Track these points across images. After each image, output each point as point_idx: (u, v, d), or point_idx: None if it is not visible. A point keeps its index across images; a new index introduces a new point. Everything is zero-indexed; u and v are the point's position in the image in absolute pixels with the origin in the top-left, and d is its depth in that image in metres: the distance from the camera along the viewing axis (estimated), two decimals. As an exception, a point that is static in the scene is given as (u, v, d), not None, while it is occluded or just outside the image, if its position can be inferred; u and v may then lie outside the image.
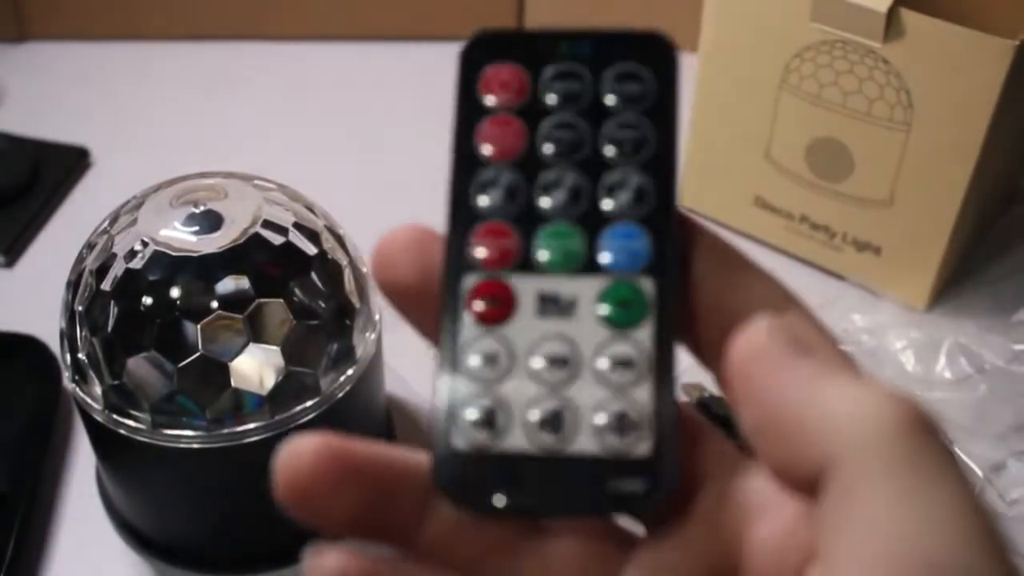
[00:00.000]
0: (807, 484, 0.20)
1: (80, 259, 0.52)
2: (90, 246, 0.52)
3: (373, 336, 0.53)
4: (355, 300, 0.52)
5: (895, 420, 0.19)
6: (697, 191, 0.74)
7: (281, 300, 0.49)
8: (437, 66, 0.89)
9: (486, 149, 0.24)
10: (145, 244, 0.49)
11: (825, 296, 0.68)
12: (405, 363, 0.62)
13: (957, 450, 0.58)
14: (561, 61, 0.25)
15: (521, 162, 0.24)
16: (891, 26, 0.59)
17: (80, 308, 0.50)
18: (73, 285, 0.51)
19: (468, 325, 0.23)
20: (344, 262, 0.53)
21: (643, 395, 0.23)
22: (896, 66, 0.60)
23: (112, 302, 0.49)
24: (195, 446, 0.48)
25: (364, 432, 0.55)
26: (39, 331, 0.63)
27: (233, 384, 0.48)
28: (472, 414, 0.23)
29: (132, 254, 0.50)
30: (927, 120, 0.61)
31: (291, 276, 0.50)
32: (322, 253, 0.52)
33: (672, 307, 0.23)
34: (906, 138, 0.62)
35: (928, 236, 0.65)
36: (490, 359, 0.23)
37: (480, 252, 0.24)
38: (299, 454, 0.22)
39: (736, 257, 0.24)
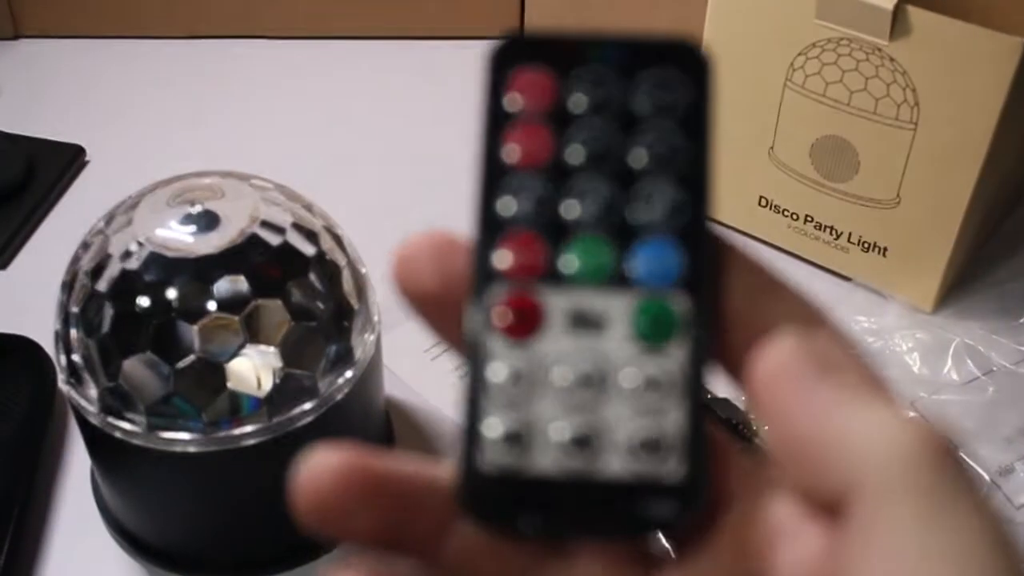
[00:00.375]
0: (829, 507, 0.20)
1: (75, 259, 0.51)
2: (85, 246, 0.51)
3: (372, 338, 0.52)
4: (354, 301, 0.52)
5: (918, 447, 0.19)
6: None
7: (279, 301, 0.49)
8: (438, 65, 0.88)
9: (513, 156, 0.24)
10: (141, 244, 0.49)
11: (831, 297, 0.68)
12: (404, 364, 0.62)
13: (964, 455, 0.57)
14: (594, 66, 0.24)
15: (550, 170, 0.23)
16: (897, 23, 0.58)
17: (75, 309, 0.50)
18: (68, 286, 0.51)
19: (493, 340, 0.23)
20: (342, 263, 0.52)
21: (675, 416, 0.22)
22: (902, 64, 0.60)
23: (107, 303, 0.49)
24: (191, 449, 0.48)
25: (363, 434, 0.55)
26: (33, 332, 0.62)
27: (230, 386, 0.48)
28: (498, 433, 0.22)
29: (128, 254, 0.49)
30: (934, 119, 0.60)
31: (289, 277, 0.50)
32: (320, 254, 0.51)
33: (705, 325, 0.22)
34: (912, 137, 0.62)
35: (935, 237, 0.64)
36: (517, 376, 0.22)
37: (507, 262, 0.23)
38: (320, 471, 0.22)
39: (768, 275, 0.23)
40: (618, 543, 0.23)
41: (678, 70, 0.24)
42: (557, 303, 0.23)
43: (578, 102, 0.24)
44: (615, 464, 0.22)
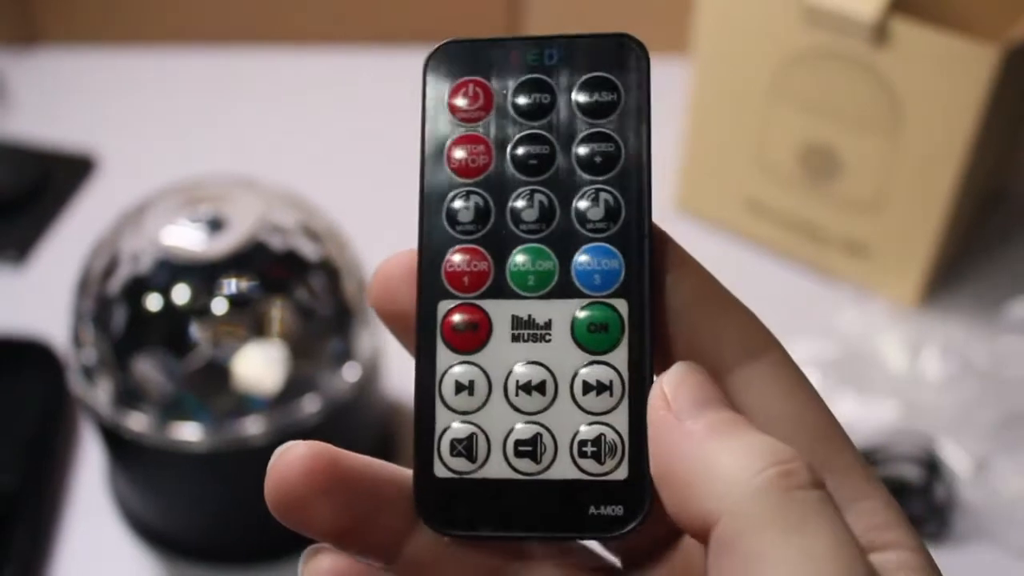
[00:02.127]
0: (699, 535, 0.20)
1: (88, 262, 0.53)
2: (98, 249, 0.53)
3: (374, 338, 0.54)
4: (356, 302, 0.53)
5: (769, 476, 0.19)
6: (690, 194, 0.75)
7: (284, 302, 0.50)
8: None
9: (454, 168, 0.24)
10: (152, 247, 0.50)
11: (815, 296, 0.69)
12: (406, 364, 0.62)
13: (946, 446, 0.59)
14: (528, 71, 0.24)
15: (490, 181, 0.23)
16: (879, 34, 0.60)
17: (87, 311, 0.51)
18: (81, 288, 0.52)
19: (444, 352, 0.23)
20: (346, 265, 0.54)
21: (619, 419, 0.22)
22: (884, 71, 0.61)
23: (119, 305, 0.50)
24: (200, 446, 0.49)
25: (365, 432, 0.56)
26: (48, 334, 0.64)
27: (237, 385, 0.49)
28: (450, 442, 0.23)
29: (139, 257, 0.50)
30: (915, 125, 0.62)
31: (294, 279, 0.51)
32: (325, 256, 0.53)
33: (648, 330, 0.22)
34: (894, 142, 0.63)
35: (916, 237, 0.66)
36: (467, 387, 0.23)
37: (453, 277, 0.23)
38: (290, 460, 0.22)
39: (717, 292, 0.23)
40: (572, 544, 0.24)
41: (614, 68, 0.23)
42: (503, 313, 0.23)
43: (517, 109, 0.24)
44: (563, 466, 0.22)
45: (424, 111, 0.24)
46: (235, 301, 0.49)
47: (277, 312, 0.50)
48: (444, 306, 0.23)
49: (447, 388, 0.23)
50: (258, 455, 0.49)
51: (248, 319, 0.50)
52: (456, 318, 0.23)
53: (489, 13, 0.90)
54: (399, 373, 0.61)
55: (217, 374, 0.49)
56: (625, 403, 0.23)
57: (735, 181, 0.72)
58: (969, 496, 0.57)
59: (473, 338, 0.23)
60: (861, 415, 0.61)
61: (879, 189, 0.66)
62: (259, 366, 0.50)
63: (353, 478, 0.22)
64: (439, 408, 0.23)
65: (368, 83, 0.89)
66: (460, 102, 0.24)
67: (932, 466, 0.56)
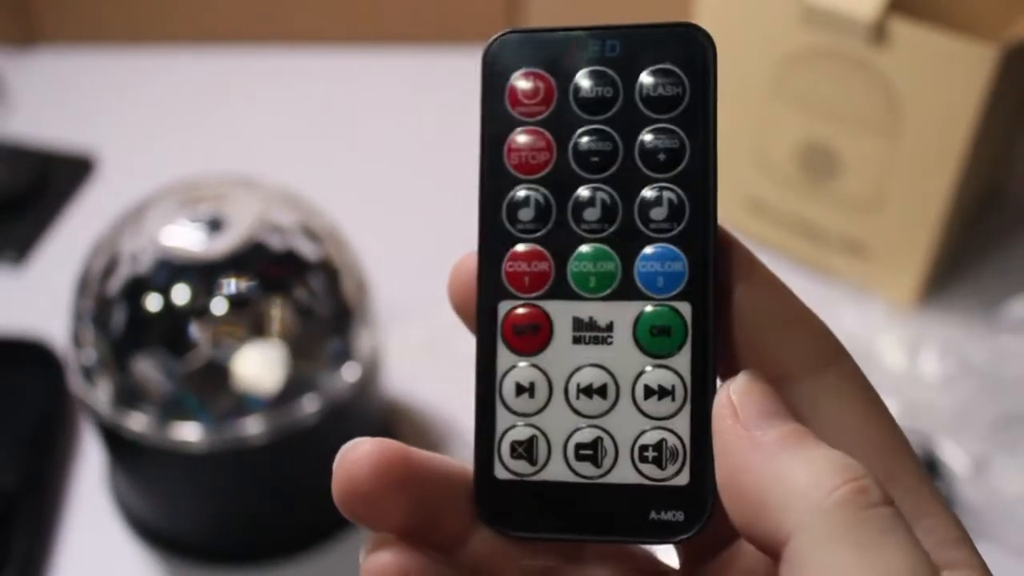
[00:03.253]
0: (769, 549, 0.20)
1: (87, 262, 0.53)
2: (97, 249, 0.53)
3: (373, 338, 0.54)
4: (356, 302, 0.53)
5: (843, 493, 0.19)
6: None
7: (284, 302, 0.50)
8: (442, 70, 0.90)
9: (514, 165, 0.23)
10: (151, 247, 0.50)
11: (814, 295, 0.69)
12: (405, 363, 0.62)
13: (944, 446, 0.59)
14: (590, 63, 0.23)
15: (551, 178, 0.23)
16: (877, 34, 0.60)
17: (87, 311, 0.51)
18: (80, 288, 0.52)
19: (505, 354, 0.23)
20: (346, 264, 0.54)
21: (681, 424, 0.22)
22: (883, 72, 0.61)
23: (118, 305, 0.50)
24: (200, 445, 0.49)
25: (364, 431, 0.56)
26: (47, 334, 0.64)
27: (237, 385, 0.49)
28: (511, 444, 0.23)
29: (138, 257, 0.51)
30: (913, 124, 0.62)
31: (294, 278, 0.51)
32: (324, 256, 0.53)
33: (711, 333, 0.22)
34: (893, 142, 0.63)
35: (914, 237, 0.66)
36: (527, 389, 0.23)
37: (514, 277, 0.23)
38: (359, 457, 0.22)
39: (786, 300, 0.23)
40: (632, 545, 0.24)
41: (678, 60, 0.22)
42: (564, 315, 0.23)
43: (578, 103, 0.23)
44: (623, 471, 0.22)
45: (482, 105, 0.23)
46: (234, 301, 0.50)
47: (276, 312, 0.50)
48: (504, 306, 0.23)
49: (508, 390, 0.23)
50: (258, 455, 0.49)
51: (247, 319, 0.50)
52: (517, 320, 0.23)
53: (488, 13, 0.90)
54: (398, 373, 0.62)
55: (217, 374, 0.49)
56: (687, 408, 0.22)
57: (734, 180, 0.72)
58: (968, 495, 0.57)
59: (534, 340, 0.23)
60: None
61: (878, 189, 0.66)
62: (258, 366, 0.50)
63: (421, 475, 0.22)
64: (499, 409, 0.23)
65: (368, 83, 0.89)
66: (519, 96, 0.23)
67: (931, 465, 0.56)
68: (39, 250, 0.74)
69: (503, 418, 0.23)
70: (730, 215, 0.73)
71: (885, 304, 0.68)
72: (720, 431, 0.21)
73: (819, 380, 0.22)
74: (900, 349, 0.65)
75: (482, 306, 0.23)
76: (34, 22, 0.90)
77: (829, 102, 0.65)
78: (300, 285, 0.51)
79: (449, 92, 0.87)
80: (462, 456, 0.24)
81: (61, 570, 0.55)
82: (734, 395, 0.21)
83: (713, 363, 0.22)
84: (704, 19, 0.67)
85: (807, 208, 0.70)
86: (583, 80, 0.23)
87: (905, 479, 0.22)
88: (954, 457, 0.59)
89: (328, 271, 0.53)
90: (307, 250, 0.52)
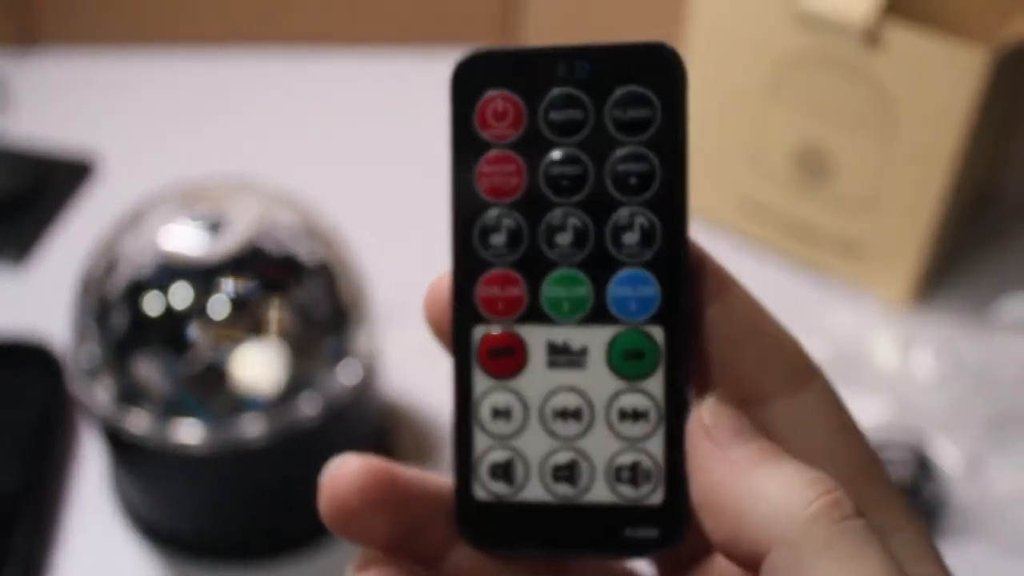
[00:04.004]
0: (747, 563, 0.21)
1: (87, 264, 0.53)
2: (97, 251, 0.53)
3: (373, 338, 0.54)
4: (355, 303, 0.54)
5: (819, 506, 0.20)
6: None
7: (283, 303, 0.50)
8: (441, 72, 0.90)
9: (485, 189, 0.23)
10: (151, 249, 0.50)
11: (809, 295, 0.70)
12: (404, 365, 0.63)
13: (937, 445, 0.59)
14: (560, 85, 0.23)
15: (523, 202, 0.23)
16: (871, 37, 0.61)
17: (87, 312, 0.52)
18: (81, 289, 0.52)
19: (481, 378, 0.23)
20: (345, 266, 0.54)
21: (655, 446, 0.22)
22: (877, 75, 0.62)
23: (118, 306, 0.51)
24: (199, 446, 0.49)
25: (364, 432, 0.57)
26: (48, 335, 0.64)
27: (236, 386, 0.50)
28: (489, 467, 0.23)
29: (138, 259, 0.51)
30: (907, 126, 0.63)
31: (293, 280, 0.51)
32: (323, 258, 0.53)
33: (684, 356, 0.22)
34: (887, 143, 0.64)
35: (908, 237, 0.66)
36: (504, 413, 0.23)
37: (487, 302, 0.23)
38: (345, 474, 0.22)
39: (760, 318, 0.23)
40: (608, 563, 0.25)
41: (649, 81, 0.22)
42: (539, 339, 0.23)
43: (548, 126, 0.23)
44: (600, 491, 0.23)
45: (452, 127, 0.23)
46: (234, 302, 0.50)
47: (276, 313, 0.51)
48: (479, 331, 0.23)
49: (484, 413, 0.23)
50: (257, 455, 0.50)
51: (247, 320, 0.50)
52: (492, 344, 0.23)
53: (484, 13, 0.90)
54: (397, 373, 0.62)
55: (216, 375, 0.50)
56: (661, 430, 0.22)
57: (729, 181, 0.72)
58: (960, 494, 0.57)
59: (509, 364, 0.23)
60: (853, 413, 0.61)
61: (872, 189, 0.66)
62: (258, 367, 0.50)
63: (406, 493, 0.23)
64: (477, 433, 0.23)
65: (366, 84, 0.90)
66: (489, 118, 0.23)
67: (923, 464, 0.57)
68: (39, 251, 0.74)
69: (481, 441, 0.23)
70: (725, 216, 0.74)
71: (879, 303, 0.68)
72: (694, 451, 0.22)
73: (793, 399, 0.22)
74: (894, 348, 0.65)
75: (457, 330, 0.23)
76: (34, 23, 0.91)
77: (823, 104, 0.65)
78: (299, 286, 0.51)
79: (447, 94, 0.87)
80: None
81: (62, 570, 0.55)
82: (706, 416, 0.22)
83: (687, 385, 0.22)
84: (699, 22, 0.68)
85: (802, 209, 0.70)
86: (553, 102, 0.23)
87: (877, 495, 0.22)
88: (947, 456, 0.59)
89: (327, 273, 0.53)
90: (306, 252, 0.53)
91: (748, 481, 0.21)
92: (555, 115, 0.23)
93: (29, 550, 0.54)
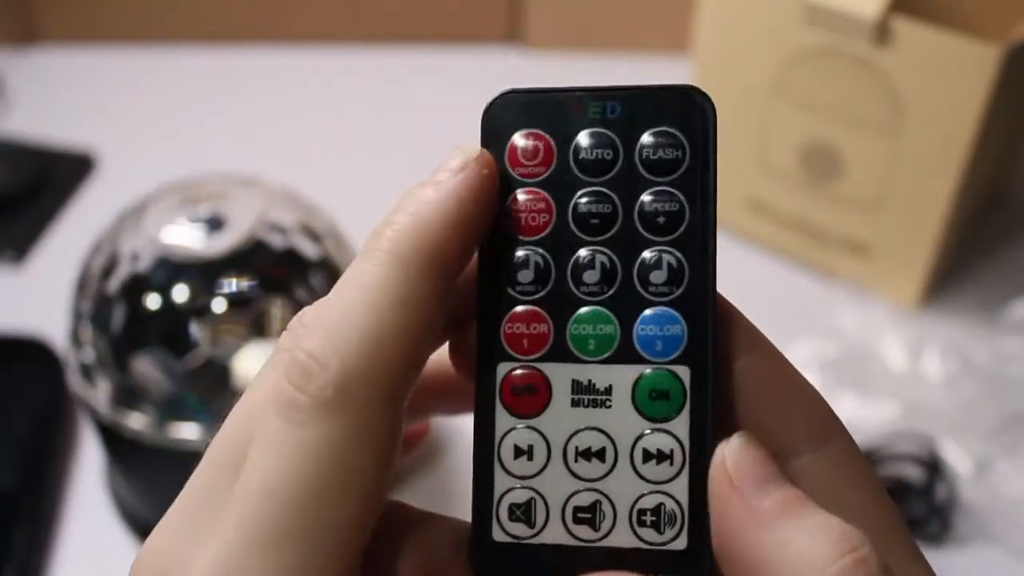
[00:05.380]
0: None
1: (87, 261, 0.53)
2: (97, 248, 0.53)
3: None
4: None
5: (845, 564, 0.19)
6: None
7: (284, 301, 0.50)
8: (442, 69, 0.90)
9: (513, 226, 0.23)
10: (151, 246, 0.50)
11: (816, 296, 0.69)
12: None
13: (947, 447, 0.59)
14: (590, 125, 0.23)
15: (551, 240, 0.23)
16: (880, 33, 0.60)
17: (87, 309, 0.51)
18: (80, 287, 0.52)
19: (503, 416, 0.23)
20: (345, 263, 0.53)
21: (679, 489, 0.22)
22: (885, 72, 0.61)
23: (118, 303, 0.50)
24: (200, 445, 0.49)
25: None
26: (47, 333, 0.64)
27: (237, 384, 0.49)
28: (509, 507, 0.23)
29: (138, 256, 0.51)
30: (916, 124, 0.62)
31: (294, 277, 0.51)
32: (324, 255, 0.53)
33: (709, 398, 0.22)
34: (896, 142, 0.63)
35: (917, 237, 0.66)
36: (526, 451, 0.23)
37: (512, 339, 0.23)
38: None
39: (787, 374, 0.23)
40: None
41: (678, 123, 0.23)
42: (563, 377, 0.23)
43: (578, 165, 0.23)
44: (621, 534, 0.22)
45: None
46: (234, 300, 0.50)
47: (276, 311, 0.50)
48: (503, 368, 0.23)
49: (506, 452, 0.23)
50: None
51: (248, 318, 0.50)
52: (515, 382, 0.23)
53: (490, 13, 0.90)
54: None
55: (217, 373, 0.49)
56: (686, 472, 0.22)
57: (736, 180, 0.72)
58: (970, 497, 0.57)
59: (532, 402, 0.23)
60: (862, 415, 0.61)
61: (880, 189, 0.66)
62: (258, 365, 0.50)
63: (417, 532, 0.23)
64: (498, 471, 0.23)
65: (368, 82, 0.89)
66: (519, 156, 0.23)
67: (933, 466, 0.56)
68: (39, 249, 0.74)
69: (501, 480, 0.23)
70: (733, 215, 0.73)
71: (887, 304, 0.68)
72: (717, 498, 0.21)
73: (816, 455, 0.22)
74: (902, 350, 0.64)
75: (481, 367, 0.23)
76: (34, 21, 0.90)
77: (832, 102, 0.65)
78: (300, 284, 0.51)
79: (449, 92, 0.87)
80: (463, 453, 0.23)
81: (60, 569, 0.55)
82: (729, 460, 0.21)
83: (712, 427, 0.22)
84: (706, 19, 0.67)
85: (809, 208, 0.69)
86: (583, 142, 0.23)
87: (899, 556, 0.22)
88: (956, 458, 0.58)
89: (328, 270, 0.53)
90: (307, 249, 0.52)
91: (771, 533, 0.20)
92: (585, 155, 0.23)
93: (27, 549, 0.54)
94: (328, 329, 0.20)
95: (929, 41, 0.59)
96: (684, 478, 0.22)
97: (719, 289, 0.23)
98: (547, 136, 0.23)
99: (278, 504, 0.20)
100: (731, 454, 0.21)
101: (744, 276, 0.71)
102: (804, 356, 0.63)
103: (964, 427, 0.60)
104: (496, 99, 0.24)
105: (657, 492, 0.22)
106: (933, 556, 0.57)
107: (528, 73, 0.89)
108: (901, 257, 0.67)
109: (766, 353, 0.23)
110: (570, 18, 0.88)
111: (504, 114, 0.23)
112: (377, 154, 0.82)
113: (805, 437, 0.22)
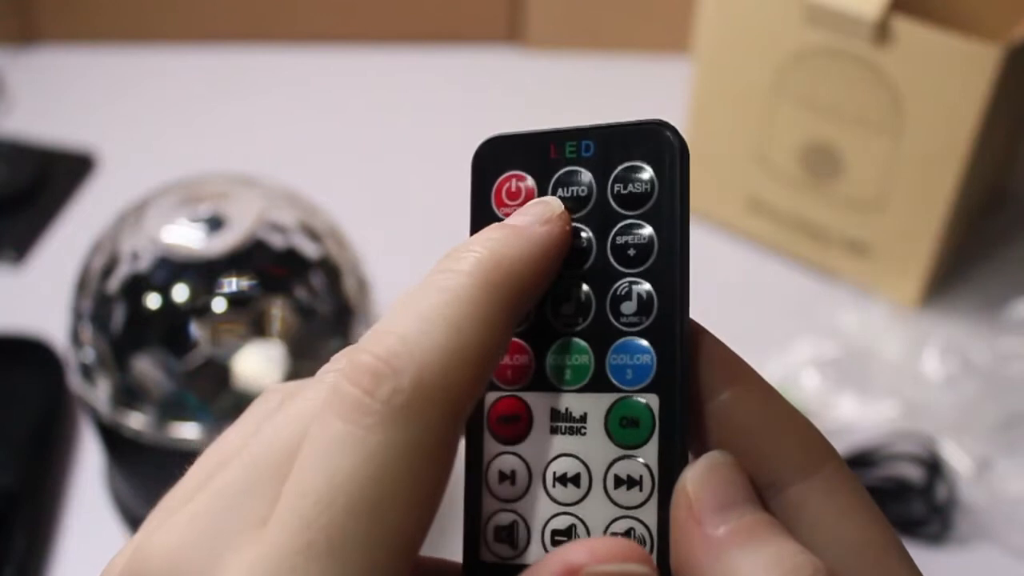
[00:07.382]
0: None
1: (87, 260, 0.53)
2: (97, 248, 0.53)
3: (374, 336, 0.53)
4: (356, 301, 0.53)
5: None
6: (692, 193, 0.75)
7: (284, 301, 0.50)
8: (442, 69, 0.90)
9: None
10: (151, 246, 0.50)
11: (816, 296, 0.69)
12: None
13: (947, 446, 0.59)
14: (567, 164, 0.24)
15: None
16: (880, 33, 0.60)
17: (87, 309, 0.51)
18: (80, 287, 0.52)
19: (490, 442, 0.24)
20: (346, 264, 0.54)
21: (648, 514, 0.23)
22: (886, 72, 0.61)
23: (118, 303, 0.50)
24: (200, 445, 0.49)
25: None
26: (47, 332, 0.64)
27: (237, 383, 0.49)
28: (495, 528, 0.24)
29: (138, 256, 0.50)
30: (916, 124, 0.62)
31: (294, 277, 0.51)
32: (325, 255, 0.53)
33: (679, 425, 0.22)
34: (896, 142, 0.63)
35: (917, 237, 0.66)
36: (509, 476, 0.24)
37: (498, 370, 0.24)
38: None
39: (776, 406, 0.23)
40: None
41: (648, 157, 0.24)
42: (543, 406, 0.24)
43: None
44: None
45: (472, 205, 0.25)
46: (235, 299, 0.50)
47: (277, 311, 0.50)
48: (491, 397, 0.24)
49: (492, 476, 0.24)
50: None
51: (248, 318, 0.50)
52: (500, 410, 0.24)
53: (490, 13, 0.90)
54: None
55: (217, 373, 0.49)
56: (655, 498, 0.23)
57: (736, 180, 0.72)
58: (970, 496, 0.57)
59: (516, 429, 0.24)
60: (862, 415, 0.61)
61: (880, 188, 0.66)
62: (259, 365, 0.50)
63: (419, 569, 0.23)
64: (485, 495, 0.24)
65: (368, 82, 0.89)
66: (503, 197, 0.24)
67: (933, 466, 0.56)
68: (39, 248, 0.74)
69: (488, 503, 0.24)
70: (733, 215, 0.73)
71: (887, 304, 0.68)
72: (675, 522, 0.21)
73: (809, 484, 0.22)
74: (902, 349, 0.64)
75: None
76: (34, 20, 0.90)
77: (832, 101, 0.65)
78: (300, 284, 0.51)
79: (449, 92, 0.88)
80: (455, 479, 0.24)
81: (60, 569, 0.55)
82: (690, 485, 0.21)
83: (681, 455, 0.22)
84: (706, 18, 0.67)
85: (809, 208, 0.69)
86: (559, 180, 0.24)
87: None
88: (956, 458, 0.58)
89: (328, 270, 0.53)
90: (308, 249, 0.52)
91: (721, 560, 0.20)
92: (562, 192, 0.24)
93: (27, 548, 0.54)
94: (402, 337, 0.20)
95: (929, 41, 0.59)
96: (653, 504, 0.23)
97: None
98: (528, 176, 0.24)
99: (338, 509, 0.19)
100: (692, 479, 0.21)
101: (744, 276, 0.71)
102: (804, 356, 0.63)
103: (964, 427, 0.60)
104: (483, 144, 0.25)
105: (628, 517, 0.23)
106: (933, 556, 0.57)
107: (528, 73, 0.89)
108: (901, 257, 0.67)
109: (753, 384, 0.23)
110: (570, 18, 0.88)
111: (490, 157, 0.25)
112: (377, 154, 0.82)
113: (797, 466, 0.22)
